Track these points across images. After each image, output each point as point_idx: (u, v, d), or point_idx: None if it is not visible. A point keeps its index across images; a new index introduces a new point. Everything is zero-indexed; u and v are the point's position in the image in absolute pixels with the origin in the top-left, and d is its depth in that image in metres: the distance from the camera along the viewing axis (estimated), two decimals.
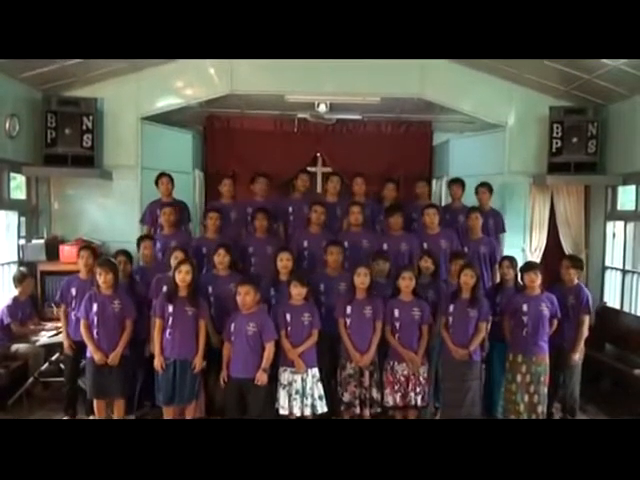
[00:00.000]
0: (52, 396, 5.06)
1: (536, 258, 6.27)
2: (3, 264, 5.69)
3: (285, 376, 4.16)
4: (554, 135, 6.04)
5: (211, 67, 6.23)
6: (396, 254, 4.89)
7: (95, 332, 4.18)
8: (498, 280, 5.00)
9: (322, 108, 6.76)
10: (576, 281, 4.72)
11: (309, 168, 7.36)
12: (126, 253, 4.72)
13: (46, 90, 5.93)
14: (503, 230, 5.81)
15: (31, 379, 4.94)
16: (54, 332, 5.12)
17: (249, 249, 4.99)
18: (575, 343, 4.57)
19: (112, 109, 6.20)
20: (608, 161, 6.05)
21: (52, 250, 5.83)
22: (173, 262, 4.40)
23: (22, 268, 5.59)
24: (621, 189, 6.09)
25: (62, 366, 4.92)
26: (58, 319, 4.83)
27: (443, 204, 6.44)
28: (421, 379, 4.31)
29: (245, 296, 4.05)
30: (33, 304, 5.54)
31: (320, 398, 4.18)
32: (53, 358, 5.02)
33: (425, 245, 5.04)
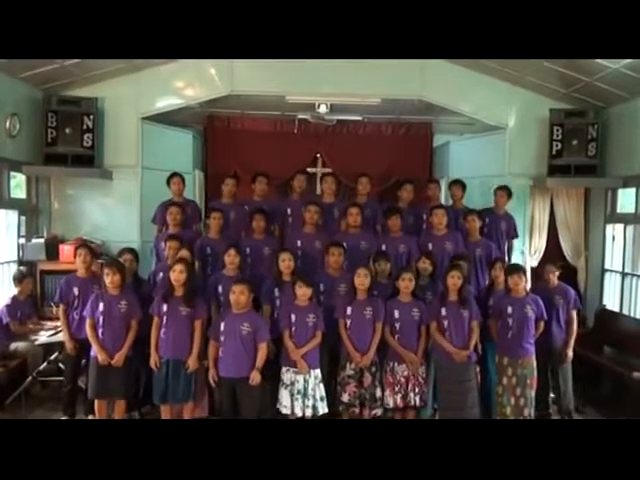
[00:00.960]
0: (50, 395, 5.06)
1: (535, 261, 6.28)
2: (3, 263, 5.69)
3: (287, 376, 4.16)
4: (554, 137, 6.04)
5: (211, 67, 6.23)
6: (394, 255, 4.87)
7: (100, 332, 4.17)
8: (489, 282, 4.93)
9: (322, 109, 6.76)
10: (556, 281, 4.78)
11: (309, 169, 7.35)
12: (132, 251, 4.71)
13: (47, 89, 5.93)
14: (515, 235, 5.76)
15: (30, 378, 4.92)
16: (53, 331, 5.10)
17: (246, 250, 4.96)
18: (567, 340, 4.64)
19: (112, 109, 6.19)
20: (608, 164, 6.05)
21: (52, 249, 5.83)
22: (168, 252, 4.47)
23: (22, 267, 5.60)
24: (621, 192, 6.09)
25: (61, 365, 4.91)
26: (57, 318, 4.81)
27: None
28: (420, 379, 4.32)
29: (240, 295, 4.02)
30: (32, 303, 5.54)
31: (322, 399, 4.18)
32: (52, 357, 4.99)
33: (430, 246, 5.02)
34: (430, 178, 6.26)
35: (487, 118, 6.49)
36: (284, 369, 4.19)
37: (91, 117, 5.91)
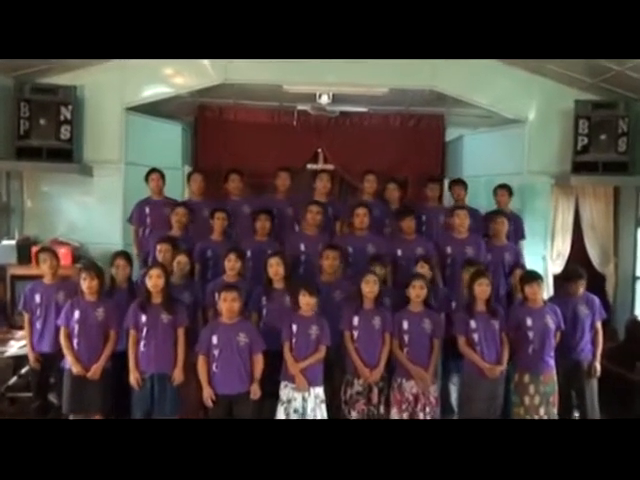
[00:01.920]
0: (20, 412, 4.80)
1: (558, 267, 6.10)
2: None
3: (285, 392, 4.00)
4: (580, 131, 5.79)
5: None
6: (410, 260, 4.72)
7: (75, 342, 4.05)
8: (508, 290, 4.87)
9: (324, 99, 6.53)
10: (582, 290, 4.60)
11: (309, 165, 7.15)
12: (125, 255, 4.54)
13: (19, 77, 5.64)
14: (523, 237, 5.61)
15: None
16: (24, 342, 4.77)
17: (247, 253, 4.75)
18: (596, 352, 4.51)
19: (94, 98, 5.94)
20: None
21: (24, 252, 5.58)
22: (158, 256, 4.46)
23: None
24: None
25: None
26: None
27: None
28: (431, 398, 4.13)
29: (232, 303, 3.91)
30: (2, 311, 5.39)
31: None
32: (22, 371, 4.81)
33: (449, 249, 4.93)
34: (430, 177, 6.02)
35: (505, 110, 6.22)
36: (282, 384, 4.04)
37: (69, 107, 5.67)
